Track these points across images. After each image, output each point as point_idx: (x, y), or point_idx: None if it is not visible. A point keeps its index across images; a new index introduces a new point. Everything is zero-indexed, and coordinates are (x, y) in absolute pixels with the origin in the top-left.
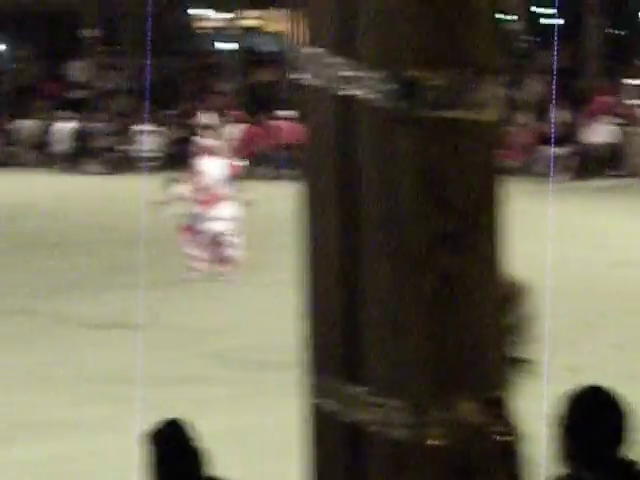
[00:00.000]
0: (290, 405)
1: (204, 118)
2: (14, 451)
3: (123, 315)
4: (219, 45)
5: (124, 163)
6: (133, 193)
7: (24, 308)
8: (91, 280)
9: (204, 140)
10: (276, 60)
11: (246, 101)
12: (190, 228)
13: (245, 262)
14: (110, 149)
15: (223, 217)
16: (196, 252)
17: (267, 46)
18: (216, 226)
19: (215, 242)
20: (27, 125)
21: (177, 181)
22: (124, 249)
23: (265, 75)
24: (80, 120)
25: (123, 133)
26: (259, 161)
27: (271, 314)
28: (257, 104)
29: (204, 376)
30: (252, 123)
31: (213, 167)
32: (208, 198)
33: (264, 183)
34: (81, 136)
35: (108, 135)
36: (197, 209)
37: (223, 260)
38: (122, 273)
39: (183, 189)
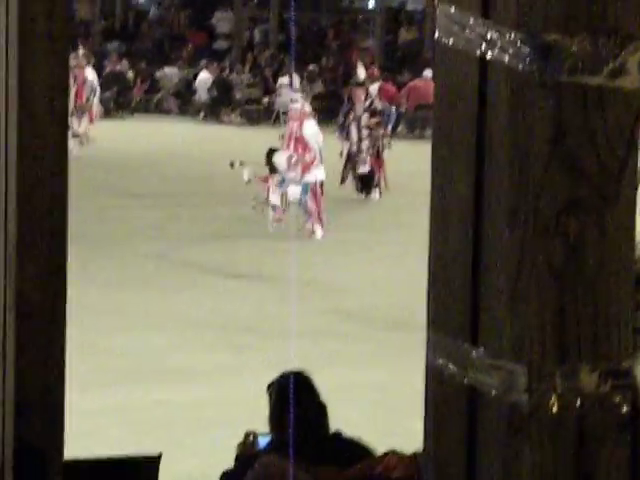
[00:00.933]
0: (412, 364)
1: (361, 74)
2: (140, 394)
3: (256, 266)
4: (362, 2)
5: (264, 115)
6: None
7: (161, 254)
8: (226, 230)
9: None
10: (419, 19)
11: (388, 59)
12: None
13: (380, 220)
14: (251, 101)
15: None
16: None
17: (411, 4)
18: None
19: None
20: (171, 73)
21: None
22: None
23: (408, 34)
24: (223, 71)
25: (265, 86)
26: (398, 119)
27: (398, 273)
28: (399, 63)
29: (330, 331)
30: (392, 82)
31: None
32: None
33: (401, 142)
34: (223, 86)
35: (250, 87)
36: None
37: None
38: (256, 224)
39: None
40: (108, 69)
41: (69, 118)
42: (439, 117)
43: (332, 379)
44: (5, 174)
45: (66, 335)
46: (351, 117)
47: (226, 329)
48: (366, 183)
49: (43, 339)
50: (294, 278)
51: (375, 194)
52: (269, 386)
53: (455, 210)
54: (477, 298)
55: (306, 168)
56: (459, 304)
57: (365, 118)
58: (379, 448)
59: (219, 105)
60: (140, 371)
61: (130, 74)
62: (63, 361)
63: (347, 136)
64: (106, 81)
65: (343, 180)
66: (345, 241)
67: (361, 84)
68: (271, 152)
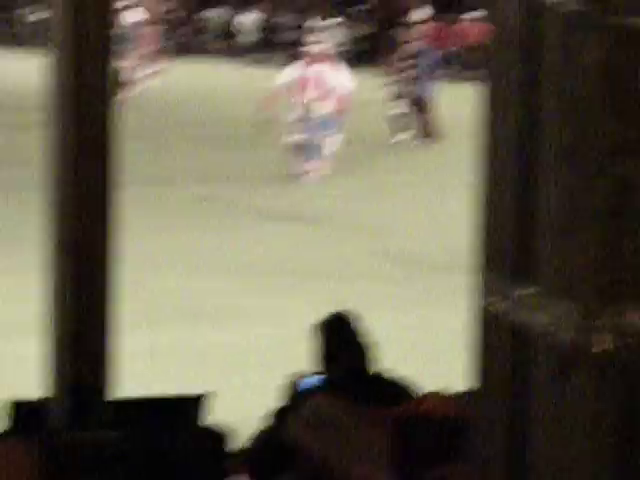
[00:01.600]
0: (458, 306)
1: (416, 15)
2: (192, 335)
3: (306, 208)
4: None
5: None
6: None
7: (206, 195)
8: (272, 172)
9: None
10: None
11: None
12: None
13: (425, 163)
14: (297, 42)
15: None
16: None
17: None
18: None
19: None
20: (215, 14)
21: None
22: None
23: None
24: (267, 12)
25: (310, 26)
26: (445, 62)
27: (443, 216)
28: (446, 3)
29: (375, 274)
30: (445, 22)
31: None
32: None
33: (449, 84)
34: (268, 28)
35: (295, 28)
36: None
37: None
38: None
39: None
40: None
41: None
42: (491, 58)
43: (378, 321)
44: (55, 125)
45: (114, 276)
46: (395, 59)
47: (275, 271)
48: (400, 124)
49: (91, 284)
50: (340, 221)
51: (404, 135)
52: (316, 327)
53: (506, 148)
54: (528, 238)
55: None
56: (509, 244)
57: (401, 60)
58: (425, 388)
59: (265, 47)
60: (191, 313)
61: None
62: (112, 305)
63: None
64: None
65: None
66: (387, 184)
67: (410, 25)
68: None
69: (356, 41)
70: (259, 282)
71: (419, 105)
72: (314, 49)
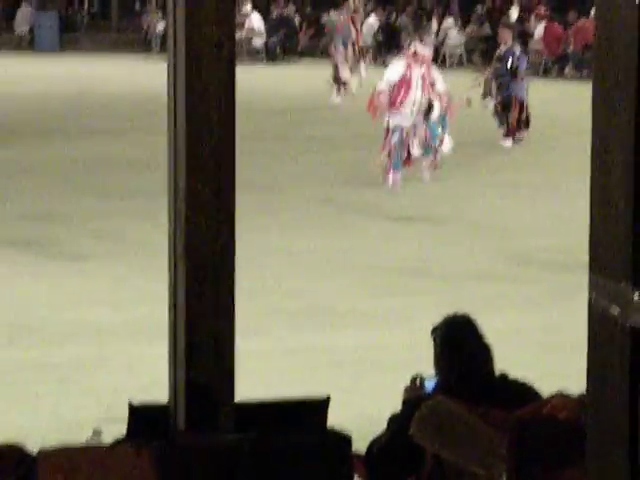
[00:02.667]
0: (579, 307)
1: (513, 14)
2: (310, 338)
3: (422, 208)
4: None
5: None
6: None
7: (325, 197)
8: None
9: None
10: None
11: None
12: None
13: (525, 161)
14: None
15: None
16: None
17: None
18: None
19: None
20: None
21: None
22: None
23: None
24: (390, 15)
25: (427, 28)
26: (564, 62)
27: (562, 214)
28: (567, 1)
29: (495, 273)
30: (558, 21)
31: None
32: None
33: (568, 84)
34: (389, 31)
35: (412, 30)
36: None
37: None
38: (414, 166)
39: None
40: (275, 13)
41: None
42: (599, 60)
43: (498, 322)
44: (174, 130)
45: (235, 279)
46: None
47: (392, 272)
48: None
49: (213, 288)
50: (459, 220)
51: (504, 141)
52: (434, 329)
53: (618, 146)
54: (638, 244)
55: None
56: (621, 246)
57: (496, 61)
58: (546, 390)
59: (385, 49)
60: (309, 315)
61: (297, 19)
62: (233, 308)
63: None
64: (273, 26)
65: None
66: (498, 183)
67: (509, 26)
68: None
69: (474, 42)
70: (383, 283)
71: (508, 105)
72: (416, 50)
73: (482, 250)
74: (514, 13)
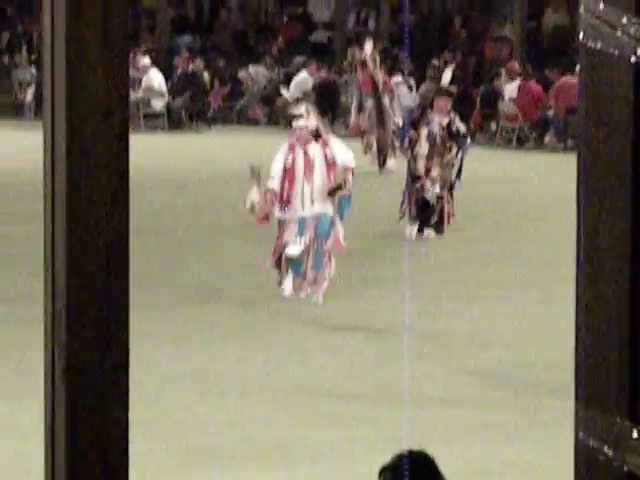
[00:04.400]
0: (561, 440)
1: (446, 77)
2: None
3: (356, 317)
4: None
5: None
6: None
7: (247, 304)
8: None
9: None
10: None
11: (531, 51)
12: None
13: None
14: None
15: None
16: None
17: None
18: None
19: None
20: (258, 74)
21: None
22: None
23: (556, 16)
24: (323, 70)
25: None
26: (544, 128)
27: (542, 323)
28: (544, 55)
29: (458, 396)
30: (537, 79)
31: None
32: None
33: (549, 156)
34: (326, 90)
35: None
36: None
37: None
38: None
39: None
40: (179, 70)
41: None
42: (587, 134)
43: (463, 457)
44: (51, 223)
45: (129, 407)
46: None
47: (331, 396)
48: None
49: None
50: (405, 330)
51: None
52: (382, 470)
53: (610, 253)
54: (637, 369)
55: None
56: (614, 377)
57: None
58: None
59: (323, 113)
60: (228, 449)
61: (206, 75)
62: (126, 443)
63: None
64: (177, 85)
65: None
66: (438, 283)
67: (445, 92)
68: None
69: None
70: (314, 409)
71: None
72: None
73: (438, 367)
74: (447, 76)
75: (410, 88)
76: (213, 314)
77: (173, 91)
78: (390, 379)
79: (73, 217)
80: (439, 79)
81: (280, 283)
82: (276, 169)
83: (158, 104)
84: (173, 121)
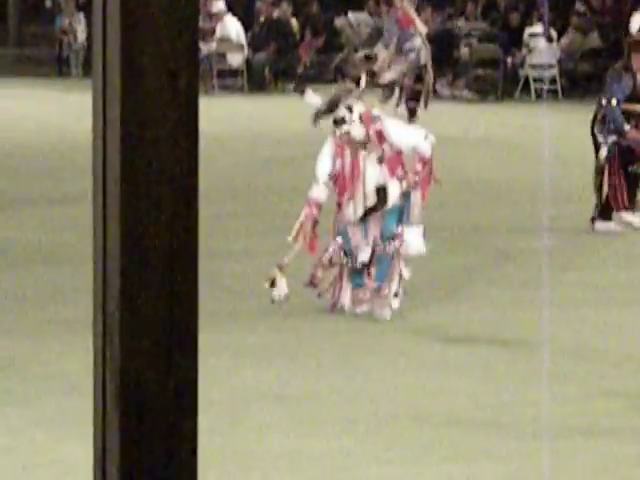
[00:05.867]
0: None
1: (635, 23)
2: None
3: (499, 328)
4: None
5: (505, 85)
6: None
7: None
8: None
9: None
10: None
11: None
12: None
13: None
14: (485, 63)
15: None
16: None
17: None
18: None
19: None
20: (361, 21)
21: None
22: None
23: None
24: (443, 18)
25: (506, 39)
26: None
27: None
28: None
29: (612, 426)
30: None
31: None
32: None
33: None
34: (444, 41)
35: (483, 40)
36: None
37: None
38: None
39: None
40: (262, 16)
41: None
42: None
43: None
44: (102, 204)
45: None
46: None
47: (447, 424)
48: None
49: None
50: (544, 343)
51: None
52: None
53: None
54: None
55: None
56: None
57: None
58: None
59: (436, 70)
60: None
61: (295, 23)
62: None
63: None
64: (258, 35)
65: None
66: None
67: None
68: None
69: (573, 60)
70: (432, 441)
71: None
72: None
73: (581, 387)
74: (637, 18)
75: (550, 40)
76: (299, 322)
77: (254, 43)
78: (521, 404)
79: (129, 198)
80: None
81: (321, 295)
82: (322, 172)
83: (236, 59)
84: (254, 80)
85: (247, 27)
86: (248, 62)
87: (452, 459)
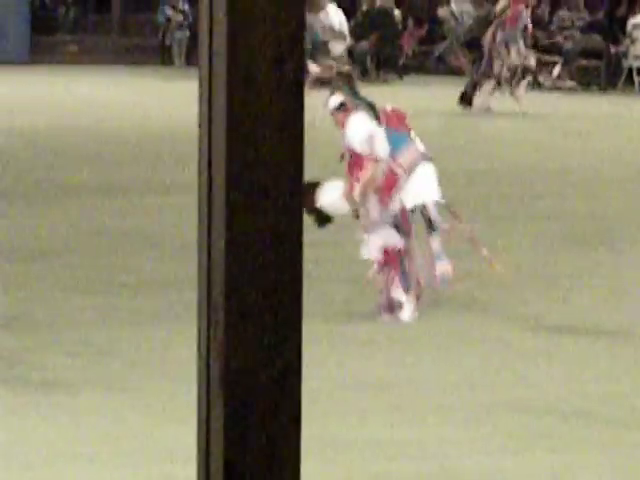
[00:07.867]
0: None
1: None
2: None
3: (592, 317)
4: None
5: (607, 75)
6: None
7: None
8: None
9: None
10: None
11: None
12: None
13: None
14: (588, 52)
15: None
16: None
17: None
18: None
19: None
20: (464, 11)
21: None
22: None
23: None
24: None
25: (606, 28)
26: None
27: None
28: None
29: None
30: None
31: None
32: None
33: None
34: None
35: (585, 31)
36: None
37: None
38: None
39: None
40: (364, 5)
41: None
42: None
43: None
44: (207, 197)
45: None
46: None
47: (545, 413)
48: None
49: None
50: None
51: None
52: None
53: None
54: None
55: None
56: None
57: None
58: None
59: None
60: (417, 478)
61: (397, 13)
62: (298, 467)
63: None
64: (361, 24)
65: None
66: None
67: None
68: None
69: None
70: (528, 431)
71: None
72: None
73: None
74: None
75: None
76: None
77: (356, 32)
78: (624, 394)
79: (234, 185)
80: None
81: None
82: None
83: (337, 48)
84: (356, 69)
85: (349, 15)
86: (350, 51)
87: (554, 449)
